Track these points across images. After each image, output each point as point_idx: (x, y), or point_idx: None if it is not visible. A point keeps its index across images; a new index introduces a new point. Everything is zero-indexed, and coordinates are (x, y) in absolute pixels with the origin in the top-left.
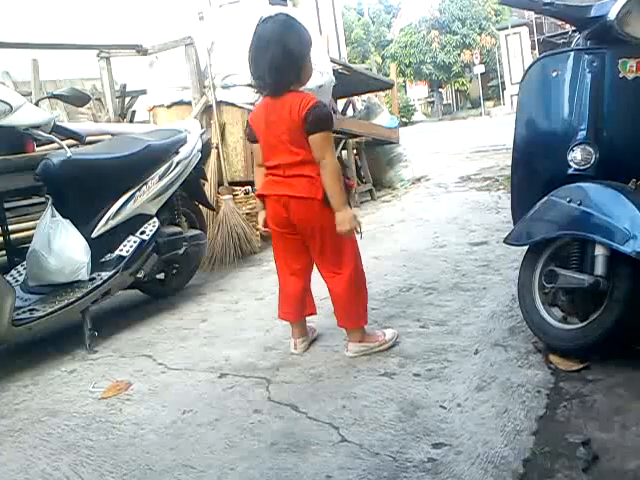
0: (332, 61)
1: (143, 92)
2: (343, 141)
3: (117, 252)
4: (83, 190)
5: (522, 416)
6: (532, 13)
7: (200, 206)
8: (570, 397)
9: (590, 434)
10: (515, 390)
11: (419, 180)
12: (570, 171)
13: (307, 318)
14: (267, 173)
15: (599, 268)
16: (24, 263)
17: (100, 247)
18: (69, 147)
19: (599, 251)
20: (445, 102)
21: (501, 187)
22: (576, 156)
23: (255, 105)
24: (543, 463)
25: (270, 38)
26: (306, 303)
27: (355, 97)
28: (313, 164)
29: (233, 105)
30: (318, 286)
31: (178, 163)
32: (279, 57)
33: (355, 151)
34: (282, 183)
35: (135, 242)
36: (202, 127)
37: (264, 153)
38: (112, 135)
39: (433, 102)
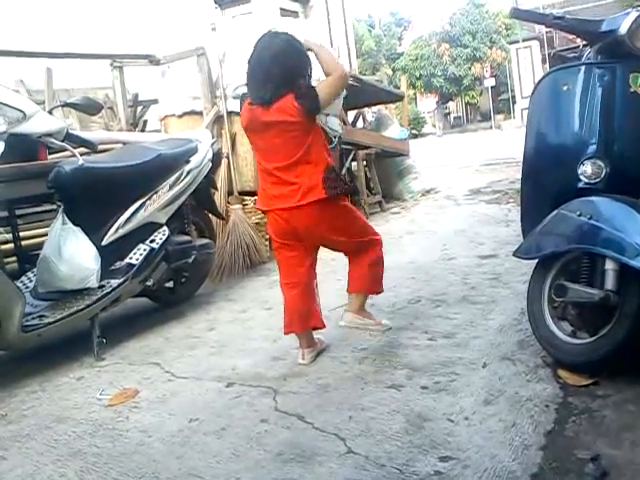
0: None
1: (155, 101)
2: (353, 152)
3: (127, 260)
4: (94, 198)
5: (530, 430)
6: (543, 27)
7: (210, 215)
8: (579, 412)
9: (599, 450)
10: (523, 404)
11: (428, 192)
12: (580, 185)
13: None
14: (264, 183)
15: (609, 282)
16: (34, 270)
17: (110, 255)
18: (81, 155)
19: (609, 265)
20: (455, 115)
21: (511, 200)
22: (586, 170)
23: (244, 110)
24: (551, 478)
25: (267, 54)
26: (311, 315)
27: (365, 109)
28: (308, 163)
29: None
30: (327, 297)
31: (189, 172)
32: (276, 72)
33: (365, 162)
34: (281, 196)
35: (145, 250)
36: (213, 137)
37: (258, 155)
38: (124, 144)
39: (444, 115)
